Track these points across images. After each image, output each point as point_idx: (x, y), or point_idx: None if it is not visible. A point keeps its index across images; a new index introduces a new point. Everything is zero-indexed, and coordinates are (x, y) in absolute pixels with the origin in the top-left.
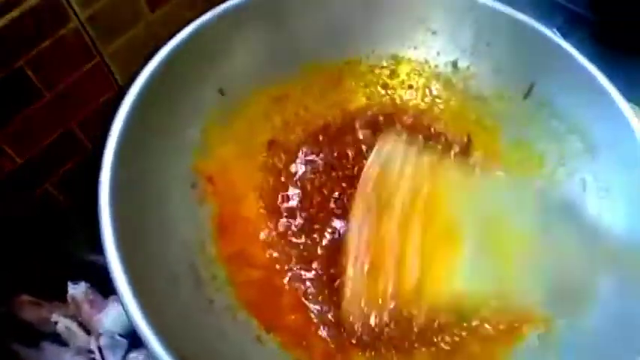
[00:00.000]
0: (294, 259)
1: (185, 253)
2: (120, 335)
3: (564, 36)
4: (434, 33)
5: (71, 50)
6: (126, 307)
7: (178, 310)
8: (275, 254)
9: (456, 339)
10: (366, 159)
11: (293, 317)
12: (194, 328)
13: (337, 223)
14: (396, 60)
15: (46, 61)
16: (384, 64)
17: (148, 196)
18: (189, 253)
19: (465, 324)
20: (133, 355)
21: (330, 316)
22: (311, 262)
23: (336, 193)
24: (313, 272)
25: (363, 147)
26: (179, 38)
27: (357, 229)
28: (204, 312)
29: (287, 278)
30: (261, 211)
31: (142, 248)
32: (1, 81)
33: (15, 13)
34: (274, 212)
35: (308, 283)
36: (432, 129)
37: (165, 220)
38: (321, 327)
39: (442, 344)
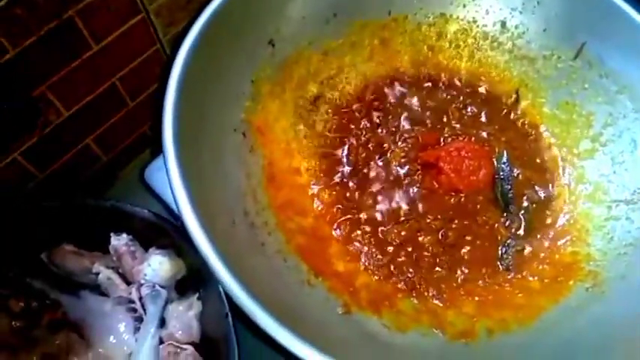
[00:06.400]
0: (342, 209)
1: (239, 198)
2: (160, 286)
3: None
4: None
5: (118, 3)
6: (195, 241)
7: (237, 248)
8: (323, 204)
9: (498, 288)
10: (407, 118)
11: (341, 264)
12: (251, 266)
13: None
14: (444, 18)
15: (95, 12)
16: (432, 21)
17: (205, 143)
18: (242, 199)
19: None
20: (172, 305)
21: (378, 260)
22: (359, 211)
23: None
24: (361, 221)
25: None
26: None
27: None
28: (258, 253)
29: (336, 227)
30: (310, 163)
31: (205, 192)
32: (53, 30)
33: None
34: (322, 164)
35: (357, 232)
36: (479, 89)
37: (221, 165)
38: (370, 271)
39: (486, 294)
